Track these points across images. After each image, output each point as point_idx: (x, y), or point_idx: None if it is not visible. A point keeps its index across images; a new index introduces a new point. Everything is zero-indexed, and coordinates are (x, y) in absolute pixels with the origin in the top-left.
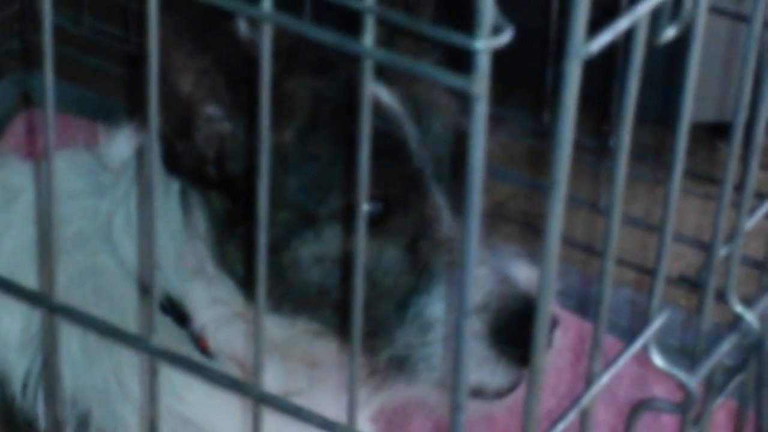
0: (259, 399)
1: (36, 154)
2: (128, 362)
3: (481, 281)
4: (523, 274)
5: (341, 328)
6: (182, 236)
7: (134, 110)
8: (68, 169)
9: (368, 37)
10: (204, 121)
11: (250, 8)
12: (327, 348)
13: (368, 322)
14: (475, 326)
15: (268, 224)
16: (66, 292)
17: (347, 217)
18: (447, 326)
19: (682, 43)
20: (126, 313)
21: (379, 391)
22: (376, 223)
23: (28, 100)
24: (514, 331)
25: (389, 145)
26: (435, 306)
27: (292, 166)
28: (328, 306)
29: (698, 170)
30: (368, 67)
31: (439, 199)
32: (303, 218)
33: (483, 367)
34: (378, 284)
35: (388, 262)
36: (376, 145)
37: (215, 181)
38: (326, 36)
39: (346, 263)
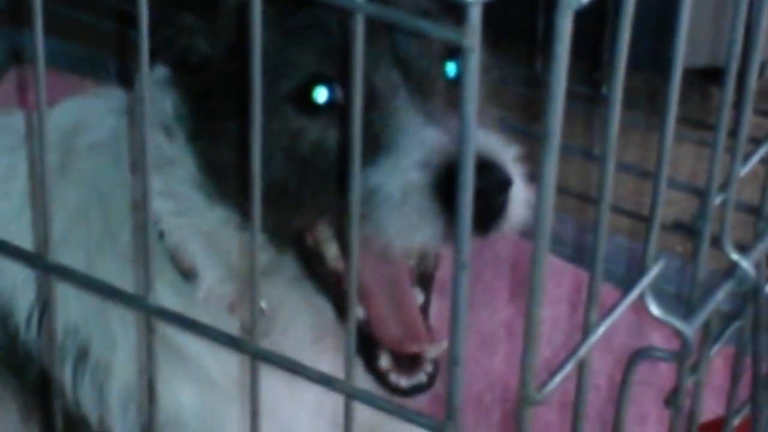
0: (255, 355)
1: (28, 108)
2: (125, 281)
3: (429, 140)
4: (483, 139)
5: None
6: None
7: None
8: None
9: None
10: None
11: None
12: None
13: (324, 199)
14: (415, 181)
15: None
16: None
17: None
18: (391, 190)
19: None
20: (126, 229)
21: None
22: (329, 103)
23: (18, 56)
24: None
25: (341, 27)
26: (379, 173)
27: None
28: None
29: (692, 116)
30: (360, 22)
31: (391, 75)
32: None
33: (424, 224)
34: (327, 159)
35: (331, 139)
36: (326, 24)
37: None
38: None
39: (304, 150)
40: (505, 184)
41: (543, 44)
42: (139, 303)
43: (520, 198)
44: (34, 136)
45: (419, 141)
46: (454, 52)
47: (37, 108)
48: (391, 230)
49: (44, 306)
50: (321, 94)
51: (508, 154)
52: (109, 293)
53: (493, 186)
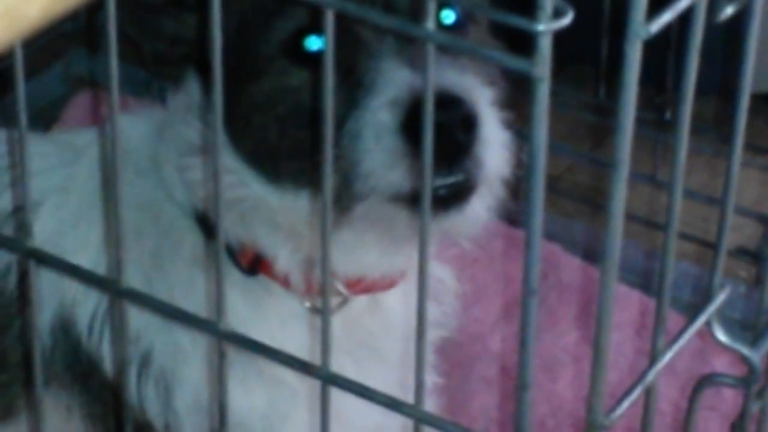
0: (326, 380)
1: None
2: (193, 295)
3: (399, 79)
4: (450, 77)
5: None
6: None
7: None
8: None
9: (430, 22)
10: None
11: None
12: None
13: (312, 155)
14: (383, 119)
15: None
16: (129, 228)
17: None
18: (361, 130)
19: (741, 13)
20: (181, 245)
21: (345, 217)
22: (317, 55)
23: (85, 81)
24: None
25: None
26: (354, 114)
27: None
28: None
29: (757, 142)
30: (431, 52)
31: (375, 30)
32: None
33: (389, 163)
34: (315, 113)
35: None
36: None
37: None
38: (389, 21)
39: (299, 99)
40: (468, 119)
41: (607, 70)
42: (210, 328)
43: (493, 140)
44: (106, 158)
45: (391, 81)
46: (449, 2)
47: (108, 127)
48: (363, 169)
49: (114, 326)
50: (312, 43)
51: (482, 95)
52: (180, 317)
53: (455, 121)
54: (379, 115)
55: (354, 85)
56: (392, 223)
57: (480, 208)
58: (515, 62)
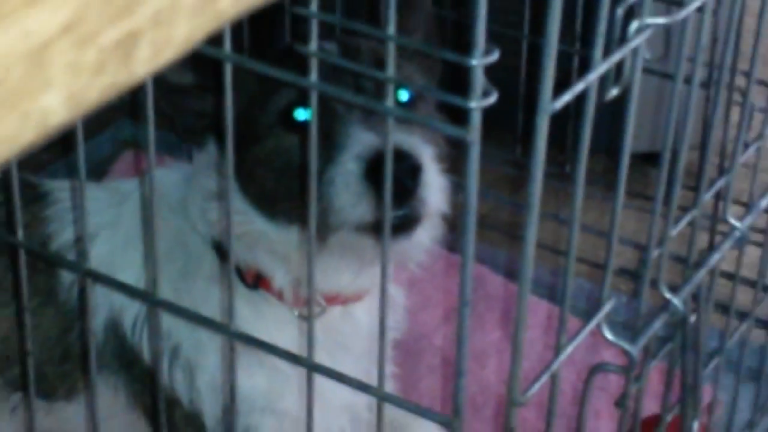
0: (311, 368)
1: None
2: (210, 304)
3: (364, 140)
4: (402, 138)
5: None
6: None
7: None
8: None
9: (390, 100)
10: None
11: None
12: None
13: (298, 196)
14: (350, 168)
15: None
16: (162, 253)
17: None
18: (334, 177)
19: (623, 94)
20: (202, 266)
21: (324, 244)
22: (304, 124)
23: (129, 143)
24: (379, 173)
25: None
26: (330, 166)
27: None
28: (292, 196)
29: (634, 189)
30: (391, 123)
31: (346, 105)
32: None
33: (355, 201)
34: (302, 168)
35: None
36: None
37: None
38: (359, 99)
39: (290, 157)
40: (414, 169)
41: (522, 135)
42: (223, 329)
43: (433, 185)
44: (145, 201)
45: (357, 141)
46: (404, 84)
47: (147, 178)
48: (335, 206)
49: (151, 327)
50: (300, 114)
51: (425, 151)
52: (200, 321)
53: (404, 170)
54: (347, 166)
55: (330, 146)
56: (359, 247)
57: (424, 236)
58: (454, 131)
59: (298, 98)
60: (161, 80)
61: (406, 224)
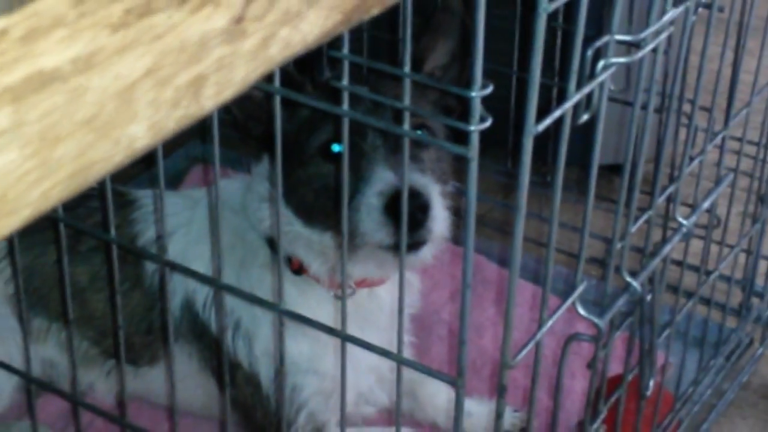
0: (345, 339)
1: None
2: (264, 286)
3: (385, 178)
4: (416, 179)
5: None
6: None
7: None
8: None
9: (406, 125)
10: (258, 107)
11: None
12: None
13: (333, 214)
14: (373, 202)
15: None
16: (225, 247)
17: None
18: (361, 208)
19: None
20: (257, 256)
21: (353, 251)
22: (338, 156)
23: (199, 159)
24: (396, 206)
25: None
26: (358, 198)
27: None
28: (326, 211)
29: (602, 194)
30: (406, 148)
31: (375, 142)
32: (300, 156)
33: (376, 229)
34: (335, 191)
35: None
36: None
37: (263, 137)
38: (380, 123)
39: (327, 182)
40: (424, 206)
41: (512, 151)
42: (274, 308)
43: (438, 215)
44: (212, 205)
45: (379, 180)
46: (419, 126)
47: (214, 186)
48: (361, 231)
49: (217, 303)
50: (335, 148)
51: (433, 189)
52: (256, 301)
53: (416, 206)
54: (370, 200)
55: (358, 178)
56: (380, 259)
57: (428, 253)
58: (457, 149)
59: (334, 135)
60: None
61: (415, 245)
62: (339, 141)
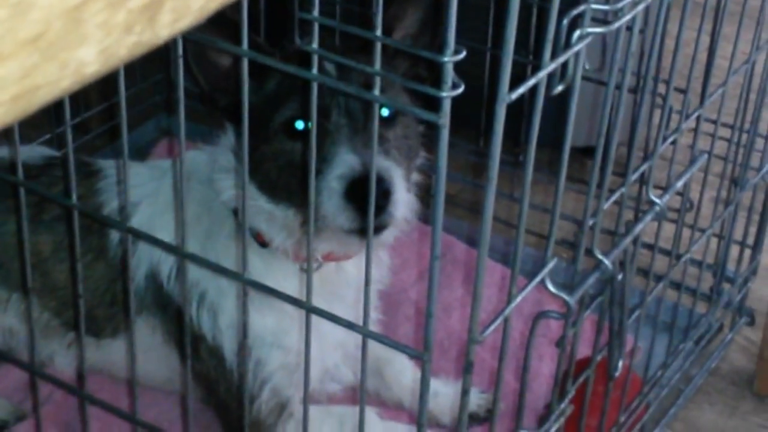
0: (309, 310)
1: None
2: (230, 257)
3: (348, 162)
4: (379, 162)
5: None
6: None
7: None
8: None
9: (376, 90)
10: (225, 78)
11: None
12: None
13: (297, 192)
14: (334, 186)
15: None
16: (190, 218)
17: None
18: (322, 191)
19: (566, 99)
20: (223, 227)
21: (316, 235)
22: (302, 133)
23: (167, 132)
24: (357, 191)
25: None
26: (320, 180)
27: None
28: (290, 188)
29: (574, 176)
30: (377, 114)
31: (339, 121)
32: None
33: (337, 213)
34: (299, 168)
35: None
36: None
37: (229, 109)
38: (347, 88)
39: (290, 158)
40: (386, 191)
41: (484, 131)
42: (238, 277)
43: (400, 199)
44: (176, 175)
45: (341, 163)
46: (385, 104)
47: (178, 158)
48: (322, 214)
49: (179, 272)
50: (299, 124)
51: (396, 173)
52: (221, 271)
53: (378, 192)
54: (332, 184)
55: (321, 159)
56: (343, 240)
57: (389, 236)
58: (428, 116)
59: (299, 112)
60: (204, 58)
61: (376, 229)
62: (304, 118)
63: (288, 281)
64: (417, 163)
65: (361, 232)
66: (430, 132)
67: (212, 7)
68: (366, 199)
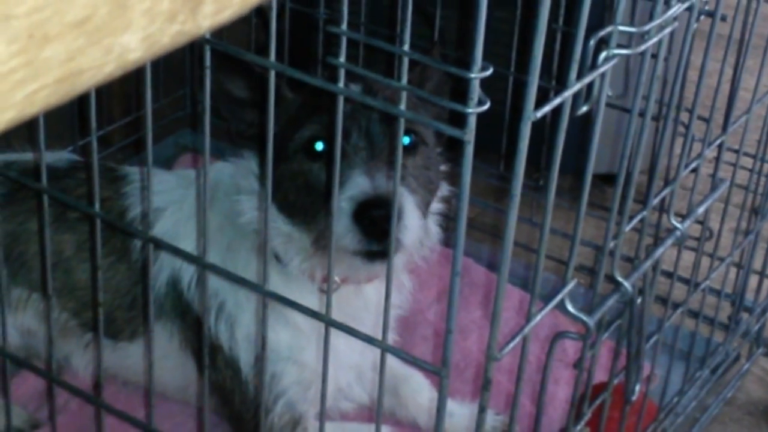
0: (328, 323)
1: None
2: (250, 271)
3: (360, 184)
4: (391, 188)
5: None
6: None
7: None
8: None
9: (402, 105)
10: (242, 109)
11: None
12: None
13: (311, 211)
14: (344, 207)
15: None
16: (214, 229)
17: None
18: (335, 211)
19: (588, 126)
20: (246, 240)
21: (324, 253)
22: (322, 154)
23: (187, 148)
24: (366, 213)
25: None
26: (336, 200)
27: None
28: (307, 209)
29: (594, 201)
30: (401, 127)
31: (358, 144)
32: (285, 152)
33: (344, 233)
34: (317, 189)
35: (323, 176)
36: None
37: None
38: (372, 102)
39: (309, 179)
40: (391, 216)
41: (506, 156)
42: (259, 289)
43: (409, 225)
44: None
45: (354, 185)
46: (408, 131)
47: (202, 169)
48: (335, 233)
49: (200, 281)
50: (318, 146)
51: (407, 199)
52: (241, 282)
53: (383, 216)
54: (342, 204)
55: (341, 179)
56: (350, 262)
57: (398, 261)
58: (454, 131)
59: (318, 133)
60: (224, 92)
61: (381, 254)
62: (323, 139)
63: (306, 300)
64: (437, 194)
65: (367, 254)
66: (454, 166)
67: (253, 2)
68: (373, 222)
